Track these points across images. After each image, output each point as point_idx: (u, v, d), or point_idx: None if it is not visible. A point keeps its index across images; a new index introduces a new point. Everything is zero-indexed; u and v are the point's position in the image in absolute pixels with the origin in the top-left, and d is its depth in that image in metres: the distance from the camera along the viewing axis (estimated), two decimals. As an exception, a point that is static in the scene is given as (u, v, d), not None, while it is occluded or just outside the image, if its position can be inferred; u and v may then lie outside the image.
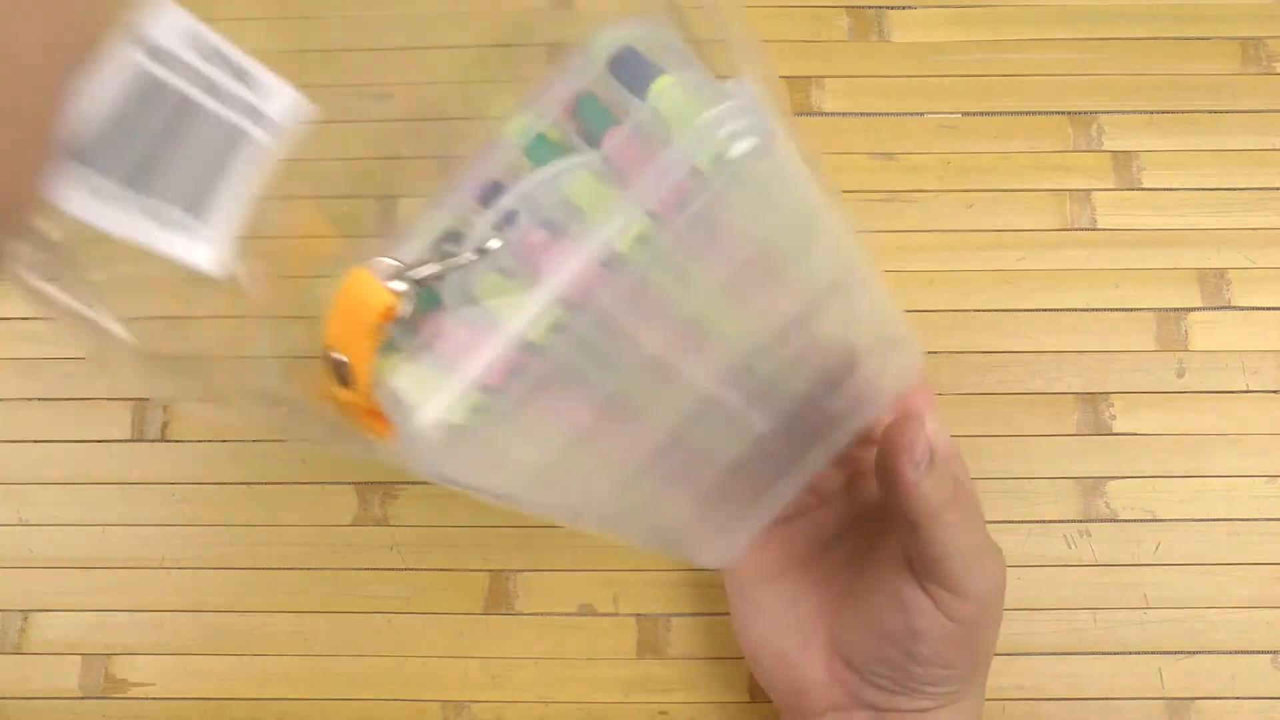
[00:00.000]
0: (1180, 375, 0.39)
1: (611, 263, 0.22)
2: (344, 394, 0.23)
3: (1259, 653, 0.37)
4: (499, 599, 0.38)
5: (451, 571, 0.39)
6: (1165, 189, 0.41)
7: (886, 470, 0.29)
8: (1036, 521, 0.38)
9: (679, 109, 0.22)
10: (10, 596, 0.39)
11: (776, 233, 0.24)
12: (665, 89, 0.22)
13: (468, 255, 0.23)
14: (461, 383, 0.21)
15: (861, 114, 0.42)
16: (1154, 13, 0.43)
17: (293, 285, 0.25)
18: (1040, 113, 0.42)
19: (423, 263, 0.22)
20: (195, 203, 0.21)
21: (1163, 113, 0.42)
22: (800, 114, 0.42)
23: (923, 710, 0.30)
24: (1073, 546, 0.38)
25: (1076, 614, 0.37)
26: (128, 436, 0.40)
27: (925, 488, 0.28)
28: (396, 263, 0.22)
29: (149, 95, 0.20)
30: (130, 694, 0.38)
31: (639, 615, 0.38)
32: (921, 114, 0.42)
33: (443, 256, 0.23)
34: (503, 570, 0.38)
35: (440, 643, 0.38)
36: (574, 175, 0.23)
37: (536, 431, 0.24)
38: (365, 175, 0.43)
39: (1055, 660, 0.37)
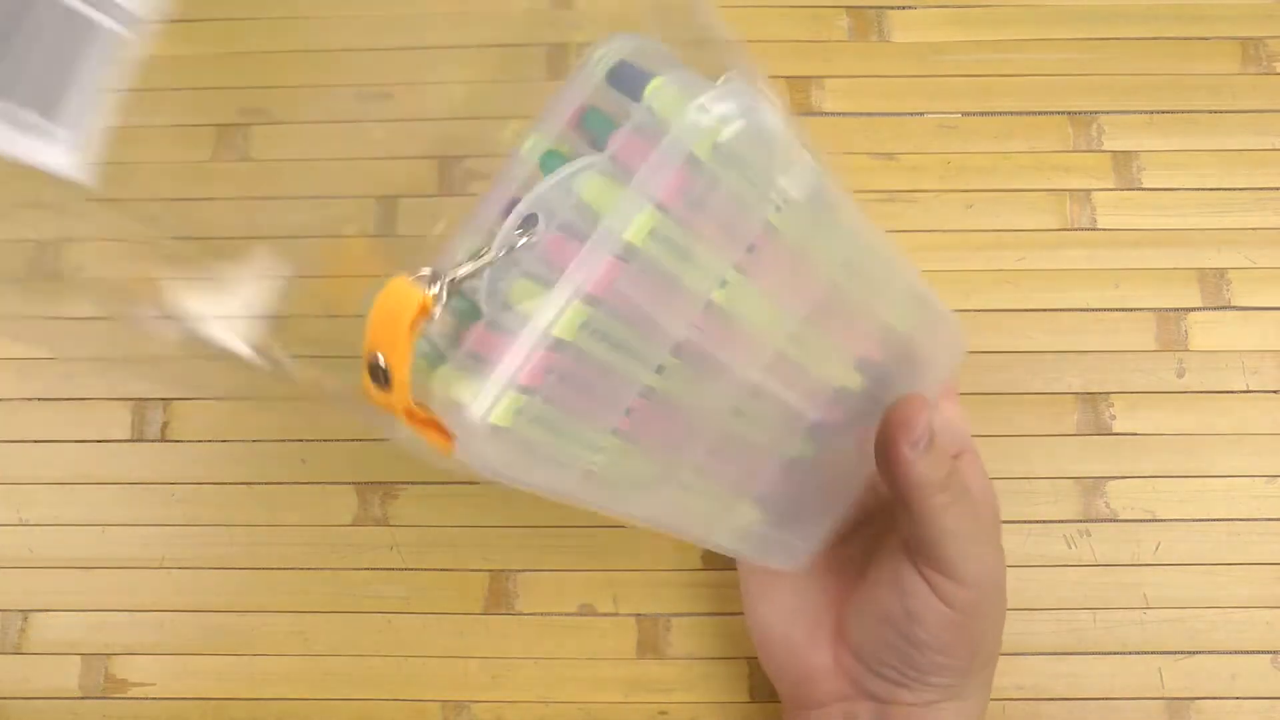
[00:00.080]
0: (1180, 375, 0.39)
1: (627, 255, 0.23)
2: (384, 396, 0.24)
3: (1259, 653, 0.37)
4: (499, 599, 0.38)
5: (451, 571, 0.39)
6: (1165, 189, 0.41)
7: (885, 446, 0.29)
8: (1036, 521, 0.38)
9: (672, 104, 0.23)
10: (10, 596, 0.39)
11: (781, 212, 0.25)
12: (658, 89, 0.23)
13: (496, 253, 0.24)
14: (500, 384, 0.23)
15: (861, 114, 0.42)
16: (1154, 13, 0.43)
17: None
18: (1040, 113, 0.42)
19: (455, 265, 0.23)
20: (46, 102, 0.21)
21: (1163, 113, 0.42)
22: (800, 114, 0.42)
23: (925, 704, 0.30)
24: (1073, 546, 0.38)
25: (1076, 614, 0.37)
26: (128, 436, 0.40)
27: (920, 467, 0.28)
28: (429, 270, 0.23)
29: None
30: (130, 694, 0.38)
31: (639, 615, 0.38)
32: (921, 114, 0.42)
33: (473, 257, 0.24)
34: (503, 570, 0.38)
35: (440, 643, 0.38)
36: (585, 177, 0.24)
37: (582, 429, 0.25)
38: (365, 175, 0.43)
39: (1055, 660, 0.37)
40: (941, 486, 0.29)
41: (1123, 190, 0.41)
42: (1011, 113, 0.42)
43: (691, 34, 0.26)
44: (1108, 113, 0.42)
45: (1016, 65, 0.43)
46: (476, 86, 0.43)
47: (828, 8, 0.43)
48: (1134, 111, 0.42)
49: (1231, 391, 0.39)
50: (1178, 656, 0.37)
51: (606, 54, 0.25)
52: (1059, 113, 0.42)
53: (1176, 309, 0.40)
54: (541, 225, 0.24)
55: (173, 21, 0.46)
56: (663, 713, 0.37)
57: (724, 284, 0.25)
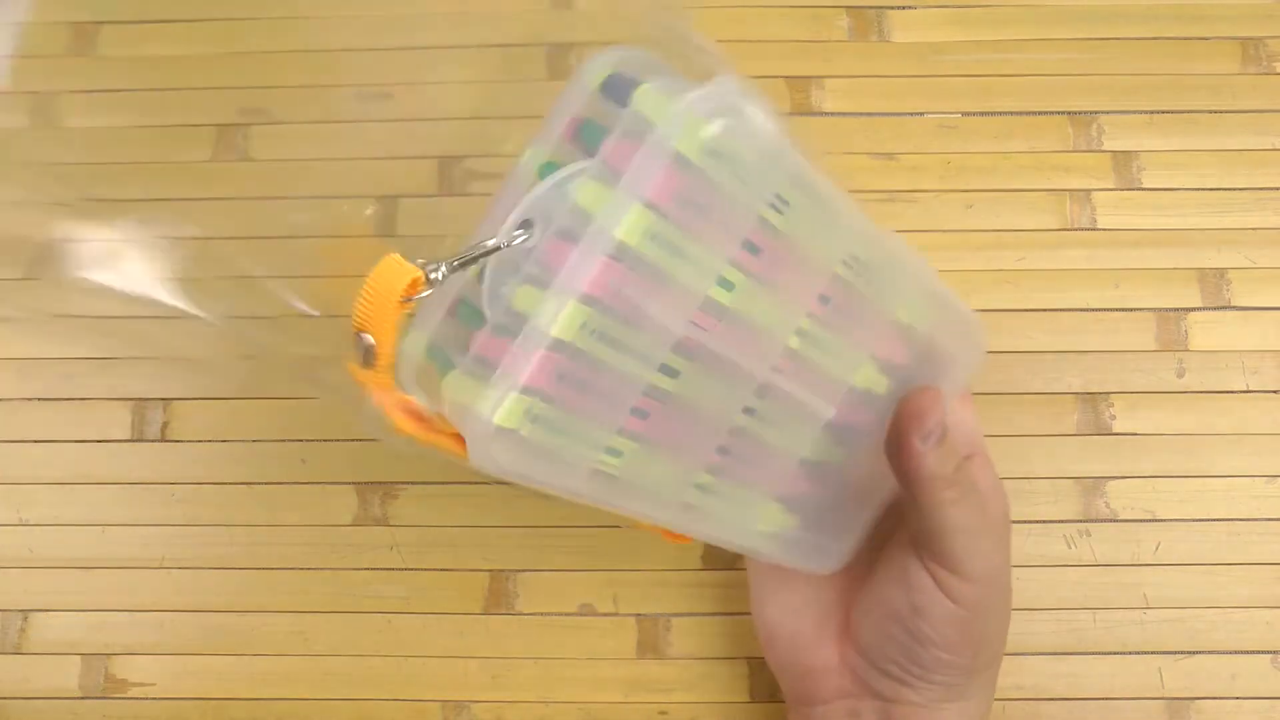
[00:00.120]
0: (1180, 375, 0.39)
1: (619, 254, 0.23)
2: (370, 376, 0.24)
3: (1259, 653, 0.37)
4: (499, 599, 0.38)
5: (451, 571, 0.39)
6: (1165, 189, 0.41)
7: (896, 438, 0.29)
8: (1036, 521, 0.38)
9: (657, 107, 0.24)
10: (10, 596, 0.39)
11: (775, 209, 0.25)
12: (645, 94, 0.24)
13: (493, 242, 0.24)
14: (503, 386, 0.23)
15: (861, 114, 0.42)
16: (1154, 13, 0.43)
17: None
18: (1040, 113, 0.42)
19: (452, 255, 0.24)
20: None
21: (1163, 113, 0.42)
22: (800, 114, 0.42)
23: (928, 704, 0.30)
24: (1073, 546, 0.38)
25: (1076, 614, 0.37)
26: (128, 436, 0.40)
27: (930, 460, 0.28)
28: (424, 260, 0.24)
29: None
30: (130, 694, 0.38)
31: (639, 615, 0.38)
32: (921, 114, 0.42)
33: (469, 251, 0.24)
34: (503, 570, 0.38)
35: (440, 643, 0.38)
36: (578, 183, 0.24)
37: (588, 429, 0.25)
38: (365, 175, 0.43)
39: (1055, 660, 0.37)
40: (950, 482, 0.29)
41: (1123, 190, 0.41)
42: (1011, 113, 0.42)
43: (682, 42, 0.27)
44: (1108, 113, 0.42)
45: (1016, 65, 0.43)
46: (476, 87, 0.43)
47: (828, 8, 0.43)
48: (1134, 111, 0.42)
49: (1231, 391, 0.39)
50: (1178, 656, 0.37)
51: (599, 66, 0.25)
52: (1059, 113, 0.42)
53: (1176, 309, 0.40)
54: (538, 231, 0.24)
55: (173, 21, 0.46)
56: (663, 713, 0.37)
57: (723, 281, 0.25)
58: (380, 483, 0.39)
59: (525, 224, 0.24)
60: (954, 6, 0.43)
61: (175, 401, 0.40)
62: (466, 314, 0.26)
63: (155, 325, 0.41)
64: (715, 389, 0.27)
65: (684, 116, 0.23)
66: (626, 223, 0.23)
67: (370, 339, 0.23)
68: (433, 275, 0.23)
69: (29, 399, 0.41)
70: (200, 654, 0.38)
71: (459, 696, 0.37)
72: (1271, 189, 0.41)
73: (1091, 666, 0.37)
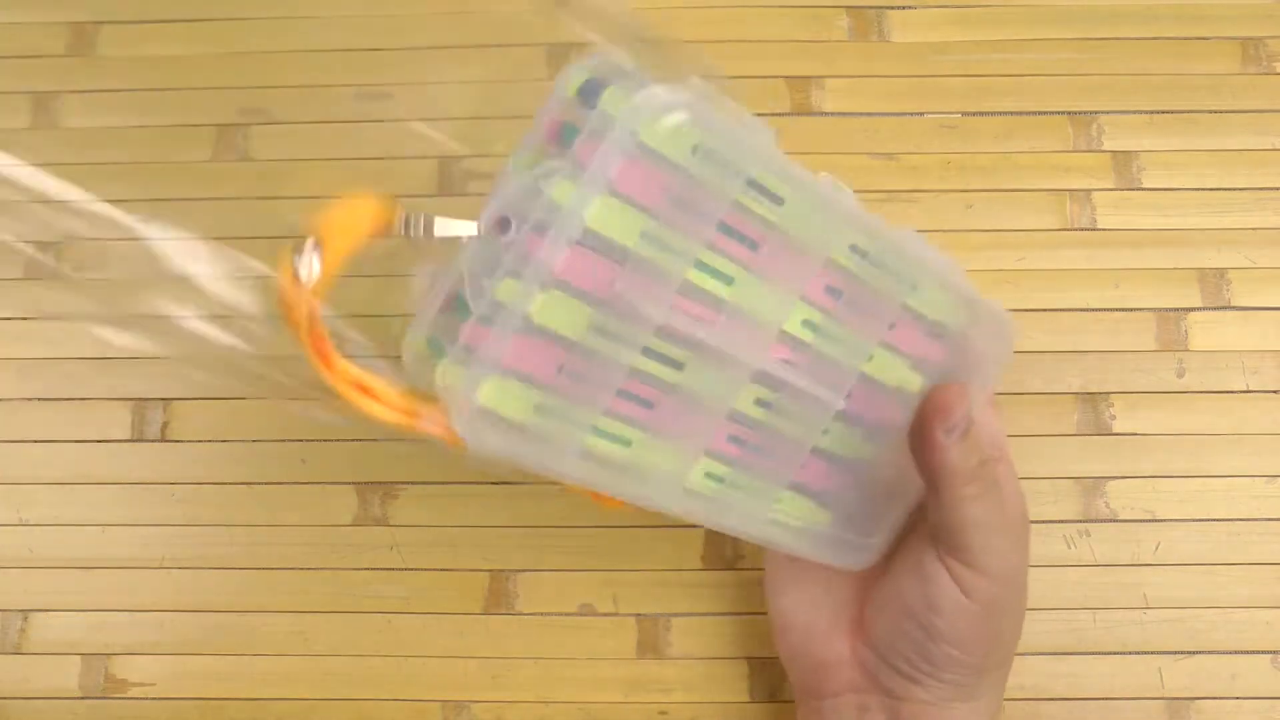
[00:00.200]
0: (1180, 375, 0.39)
1: (587, 239, 0.25)
2: (294, 292, 0.25)
3: (1259, 653, 0.37)
4: (499, 599, 0.38)
5: (451, 571, 0.39)
6: (1165, 189, 0.41)
7: (920, 430, 0.29)
8: (1037, 521, 0.38)
9: (621, 104, 0.25)
10: (10, 596, 0.39)
11: (753, 194, 0.26)
12: (611, 94, 0.26)
13: (473, 226, 0.26)
14: (482, 367, 0.25)
15: (861, 114, 0.42)
16: (1154, 13, 0.43)
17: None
18: (1040, 113, 0.42)
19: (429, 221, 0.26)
20: None
21: (1163, 113, 0.42)
22: (800, 114, 0.42)
23: (937, 702, 0.30)
24: (1073, 546, 0.38)
25: (1076, 614, 0.37)
26: (128, 436, 0.40)
27: (953, 453, 0.29)
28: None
29: None
30: (130, 694, 0.38)
31: (639, 615, 0.38)
32: (921, 114, 0.42)
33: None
34: (503, 570, 0.38)
35: (440, 643, 0.38)
36: (552, 180, 0.25)
37: (572, 411, 0.26)
38: (365, 175, 0.43)
39: (1055, 660, 0.37)
40: (972, 476, 0.29)
41: (1123, 190, 0.41)
42: (1011, 113, 0.42)
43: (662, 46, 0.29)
44: (1108, 113, 0.42)
45: (1016, 65, 0.43)
46: (476, 86, 0.43)
47: (828, 8, 0.43)
48: (1134, 111, 0.42)
49: (1231, 391, 0.39)
50: (1178, 656, 0.37)
51: (575, 73, 0.27)
52: (1059, 113, 0.42)
53: (1176, 309, 0.40)
54: (516, 227, 0.25)
55: (173, 21, 0.46)
56: (663, 713, 0.37)
57: (715, 272, 0.26)
58: (380, 483, 0.39)
59: (504, 222, 0.26)
60: (954, 6, 0.43)
61: (175, 401, 0.40)
62: (460, 308, 0.27)
63: (155, 325, 0.41)
64: (719, 381, 0.28)
65: (643, 108, 0.25)
66: (592, 211, 0.25)
67: (317, 251, 0.25)
68: (403, 225, 0.26)
69: (29, 399, 0.41)
70: (200, 654, 0.38)
71: (459, 696, 0.37)
72: (1271, 189, 0.41)
73: (1091, 666, 0.37)
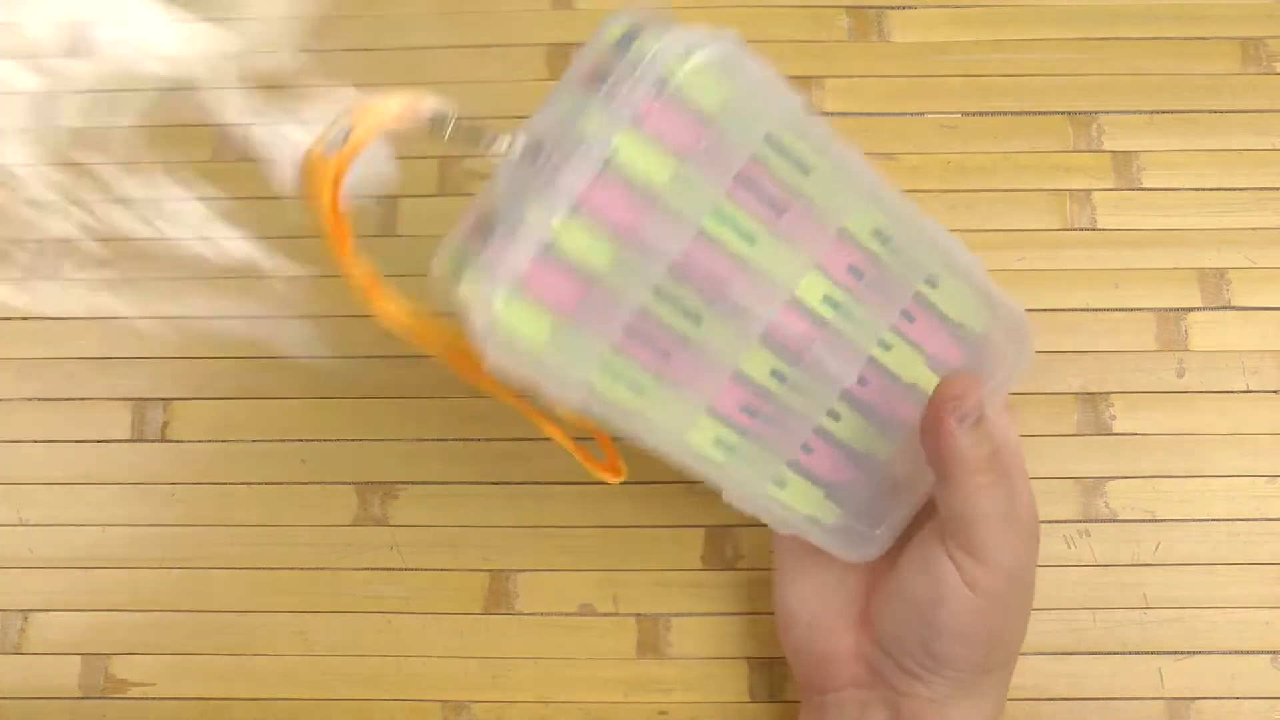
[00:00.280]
0: (1180, 375, 0.39)
1: (608, 168, 0.26)
2: (319, 163, 0.27)
3: (1259, 653, 0.37)
4: (499, 599, 0.38)
5: (451, 571, 0.39)
6: (1165, 189, 0.41)
7: (932, 417, 0.29)
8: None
9: (652, 44, 0.26)
10: (10, 596, 0.39)
11: (771, 148, 0.28)
12: (645, 39, 0.27)
13: (503, 142, 0.27)
14: (497, 279, 0.26)
15: (861, 114, 0.42)
16: (1154, 13, 0.43)
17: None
18: (1040, 113, 0.42)
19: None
20: None
21: (1163, 113, 0.42)
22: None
23: (938, 699, 0.30)
24: (1073, 546, 0.38)
25: (1076, 614, 0.37)
26: (128, 436, 0.40)
27: (964, 442, 0.29)
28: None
29: None
30: (130, 694, 0.38)
31: (639, 615, 0.38)
32: (921, 114, 0.42)
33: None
34: (503, 570, 0.38)
35: (440, 643, 0.38)
36: (584, 115, 0.26)
37: (580, 340, 0.27)
38: (365, 175, 0.43)
39: (1055, 660, 0.37)
40: (984, 467, 0.29)
41: (1123, 190, 0.41)
42: (1011, 113, 0.42)
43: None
44: (1108, 113, 0.42)
45: (1016, 65, 0.43)
46: (476, 86, 0.43)
47: (828, 8, 0.43)
48: (1134, 111, 0.42)
49: (1231, 391, 0.39)
50: (1178, 656, 0.37)
51: (615, 23, 0.27)
52: (1059, 113, 0.42)
53: (1176, 309, 0.40)
54: (544, 154, 0.26)
55: (174, 21, 0.46)
56: (663, 713, 0.37)
57: (720, 215, 0.27)
58: (380, 483, 0.39)
59: (534, 148, 0.27)
60: (954, 6, 0.43)
61: (175, 401, 0.40)
62: (489, 232, 0.28)
63: (155, 325, 0.41)
64: (735, 339, 0.29)
65: (672, 47, 0.26)
66: (620, 144, 0.26)
67: (349, 128, 0.27)
68: (430, 121, 0.27)
69: (29, 399, 0.41)
70: (200, 654, 0.38)
71: (459, 696, 0.37)
72: (1271, 189, 0.41)
73: (1091, 666, 0.37)
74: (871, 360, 0.31)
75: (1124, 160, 0.41)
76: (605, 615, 0.38)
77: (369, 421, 0.40)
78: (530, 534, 0.39)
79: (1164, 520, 0.38)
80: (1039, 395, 0.39)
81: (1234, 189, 0.41)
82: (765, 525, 0.32)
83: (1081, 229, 0.41)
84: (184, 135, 0.43)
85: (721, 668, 0.38)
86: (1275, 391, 0.39)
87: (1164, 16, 0.43)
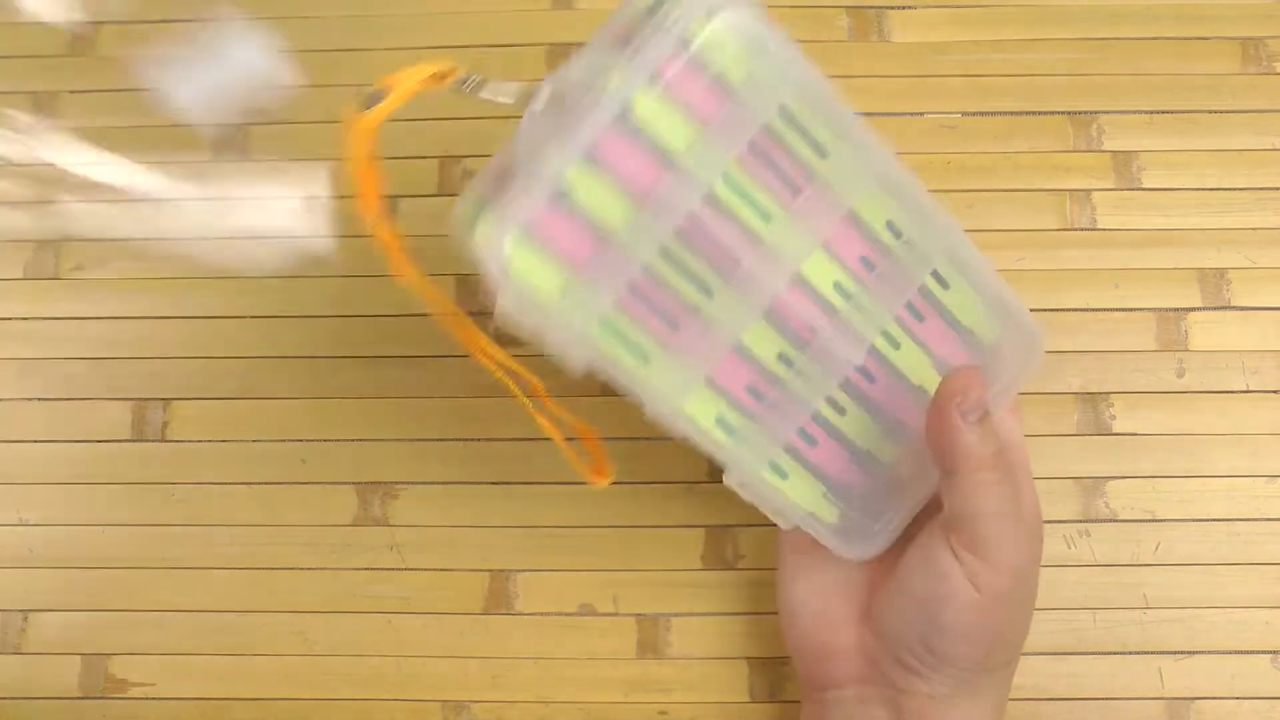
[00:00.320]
0: (1180, 375, 0.39)
1: (623, 121, 0.26)
2: (358, 121, 0.28)
3: (1259, 653, 0.37)
4: (499, 599, 0.38)
5: (451, 571, 0.39)
6: (1165, 189, 0.41)
7: (936, 413, 0.29)
8: (1036, 521, 0.38)
9: (678, 5, 0.27)
10: (10, 596, 0.39)
11: (784, 119, 0.28)
12: (671, 2, 0.27)
13: (513, 100, 0.28)
14: (507, 219, 0.26)
15: (861, 114, 0.42)
16: (1154, 13, 0.43)
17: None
18: (1040, 113, 0.42)
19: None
20: None
21: (1163, 113, 0.42)
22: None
23: (938, 697, 0.30)
24: (1073, 546, 0.38)
25: (1076, 614, 0.37)
26: (128, 436, 0.40)
27: (969, 437, 0.29)
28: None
29: None
30: (130, 694, 0.38)
31: (639, 615, 0.38)
32: (921, 114, 0.42)
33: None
34: (503, 570, 0.38)
35: (440, 643, 0.38)
36: (608, 73, 0.27)
37: (585, 292, 0.28)
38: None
39: (1055, 660, 0.37)
40: (990, 464, 0.29)
41: (1123, 190, 0.41)
42: (1011, 113, 0.42)
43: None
44: (1108, 113, 0.42)
45: (1016, 65, 0.43)
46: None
47: (828, 8, 0.43)
48: (1134, 111, 0.42)
49: (1231, 391, 0.39)
50: (1178, 656, 0.37)
51: None
52: (1059, 113, 0.42)
53: (1176, 309, 0.40)
54: (571, 106, 0.27)
55: (173, 21, 0.46)
56: (663, 713, 0.37)
57: (729, 179, 0.28)
58: (380, 483, 0.39)
59: (557, 100, 0.28)
60: (954, 6, 0.43)
61: (175, 401, 0.40)
62: (507, 180, 0.28)
63: (155, 325, 0.41)
64: (745, 316, 0.29)
65: (696, 10, 0.26)
66: (641, 103, 0.26)
67: (385, 93, 0.28)
68: (459, 82, 0.28)
69: (29, 399, 0.41)
70: (200, 654, 0.38)
71: (459, 696, 0.37)
72: (1271, 189, 0.41)
73: (1091, 666, 0.37)
74: (879, 355, 0.31)
75: (1124, 160, 0.41)
76: (605, 615, 0.38)
77: (369, 421, 0.40)
78: (530, 534, 0.39)
79: (1164, 520, 0.38)
80: (1039, 395, 0.39)
81: (1234, 189, 0.41)
82: (766, 525, 0.32)
83: (1081, 229, 0.41)
84: (184, 135, 0.43)
85: (721, 668, 0.38)
86: (1275, 391, 0.39)
87: (1164, 16, 0.43)
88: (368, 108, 0.28)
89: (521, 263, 0.27)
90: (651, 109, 0.27)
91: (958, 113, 0.42)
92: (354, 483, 0.39)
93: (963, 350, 0.32)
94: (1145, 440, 0.39)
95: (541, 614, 0.38)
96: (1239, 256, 0.40)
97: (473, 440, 0.39)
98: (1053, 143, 0.42)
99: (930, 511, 0.32)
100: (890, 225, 0.30)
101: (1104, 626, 0.37)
